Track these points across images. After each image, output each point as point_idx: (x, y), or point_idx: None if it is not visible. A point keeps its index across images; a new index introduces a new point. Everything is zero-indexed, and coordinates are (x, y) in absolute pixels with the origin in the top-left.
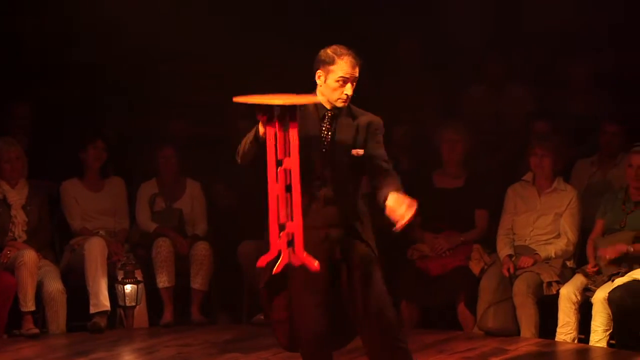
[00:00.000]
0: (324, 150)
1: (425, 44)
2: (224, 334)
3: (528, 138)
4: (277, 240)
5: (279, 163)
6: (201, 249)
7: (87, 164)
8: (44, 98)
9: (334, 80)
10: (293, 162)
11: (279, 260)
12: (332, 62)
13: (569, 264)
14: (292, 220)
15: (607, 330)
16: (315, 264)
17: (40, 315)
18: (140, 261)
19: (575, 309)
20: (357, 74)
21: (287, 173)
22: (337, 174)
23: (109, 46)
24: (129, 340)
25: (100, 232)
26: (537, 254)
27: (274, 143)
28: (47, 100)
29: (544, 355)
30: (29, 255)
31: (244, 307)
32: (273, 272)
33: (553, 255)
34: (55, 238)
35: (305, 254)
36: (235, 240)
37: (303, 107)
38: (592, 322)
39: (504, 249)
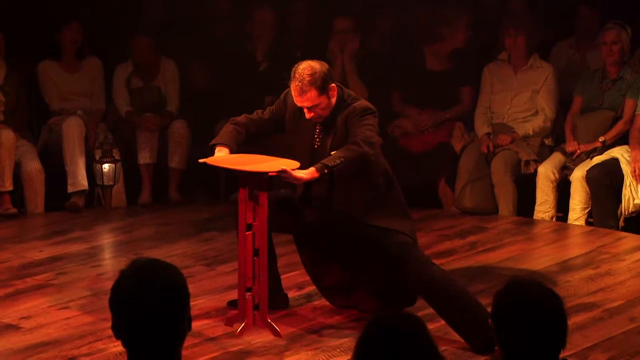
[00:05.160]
0: (314, 159)
1: None
2: (202, 213)
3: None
4: (244, 302)
5: (248, 227)
6: (178, 128)
7: (63, 46)
8: None
9: None
10: (261, 227)
11: (243, 324)
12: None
13: (547, 142)
14: (259, 284)
15: (585, 208)
16: (279, 331)
17: (18, 195)
18: (119, 141)
19: (553, 187)
20: (308, 103)
21: (255, 237)
22: (331, 182)
23: None
24: (107, 220)
25: (78, 111)
26: (515, 131)
27: (244, 206)
28: None
29: (523, 233)
30: (7, 135)
31: (221, 186)
32: (237, 334)
33: (531, 133)
34: (33, 118)
35: (269, 320)
36: (213, 119)
37: (300, 118)
38: (571, 200)
39: (482, 127)
